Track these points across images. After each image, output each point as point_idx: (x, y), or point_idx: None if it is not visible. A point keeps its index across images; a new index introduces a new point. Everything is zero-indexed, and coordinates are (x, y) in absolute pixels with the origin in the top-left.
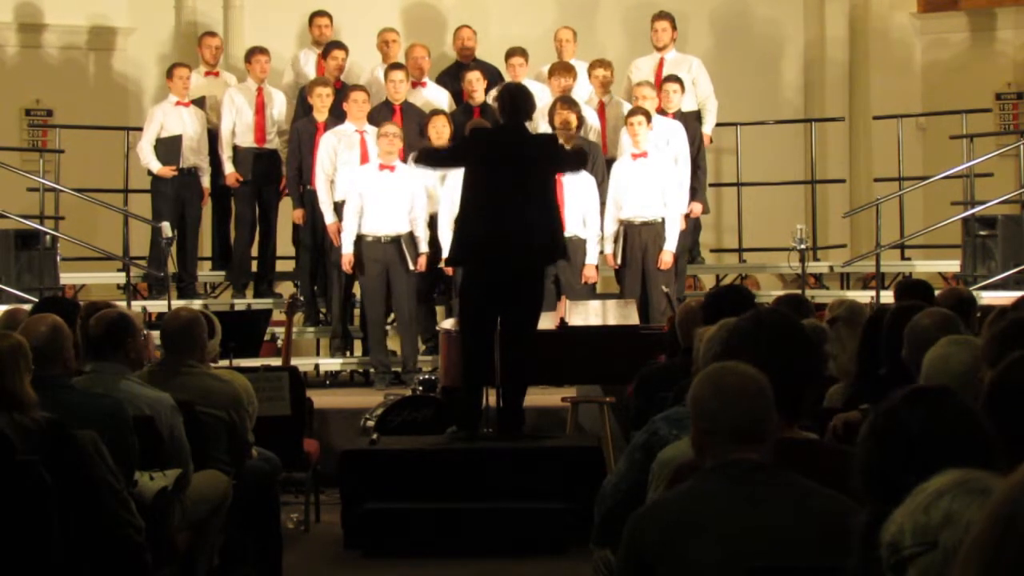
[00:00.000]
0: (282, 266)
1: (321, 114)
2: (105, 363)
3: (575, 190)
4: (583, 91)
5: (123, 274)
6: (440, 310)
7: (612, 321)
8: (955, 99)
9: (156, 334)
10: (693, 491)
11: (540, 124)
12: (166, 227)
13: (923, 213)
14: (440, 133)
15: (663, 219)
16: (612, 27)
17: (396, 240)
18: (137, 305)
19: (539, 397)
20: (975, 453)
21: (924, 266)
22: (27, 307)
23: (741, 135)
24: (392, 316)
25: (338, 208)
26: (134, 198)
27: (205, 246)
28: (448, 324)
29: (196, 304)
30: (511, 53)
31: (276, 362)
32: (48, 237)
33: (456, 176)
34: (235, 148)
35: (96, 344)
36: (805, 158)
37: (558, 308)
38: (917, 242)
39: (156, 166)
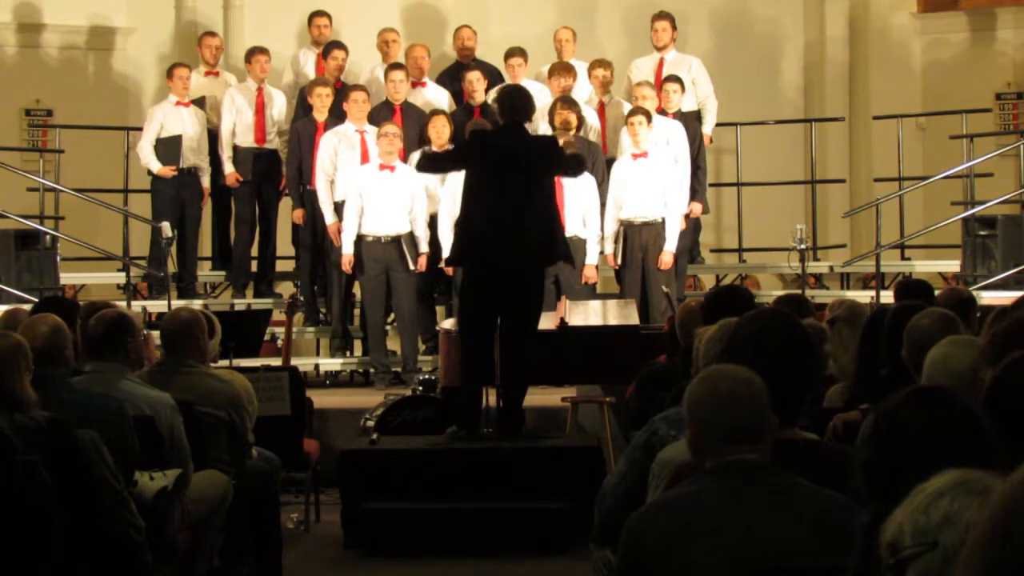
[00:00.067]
0: (282, 266)
1: (321, 114)
2: (105, 363)
3: (575, 190)
4: (583, 91)
5: (123, 274)
6: (440, 310)
7: (612, 321)
8: (955, 99)
9: (156, 334)
10: (692, 492)
11: (540, 124)
12: (166, 227)
13: (923, 213)
14: (440, 133)
15: (663, 219)
16: (612, 27)
17: (396, 240)
18: (137, 305)
19: (539, 397)
20: (975, 453)
21: (924, 266)
22: (27, 307)
23: (741, 135)
24: (392, 316)
25: (338, 208)
26: (134, 198)
27: (205, 246)
28: (448, 324)
29: (196, 304)
30: (510, 53)
31: (276, 362)
32: (48, 237)
33: (456, 176)
34: (235, 148)
35: (96, 344)
36: (805, 158)
37: (558, 308)
38: (917, 242)
39: (156, 166)
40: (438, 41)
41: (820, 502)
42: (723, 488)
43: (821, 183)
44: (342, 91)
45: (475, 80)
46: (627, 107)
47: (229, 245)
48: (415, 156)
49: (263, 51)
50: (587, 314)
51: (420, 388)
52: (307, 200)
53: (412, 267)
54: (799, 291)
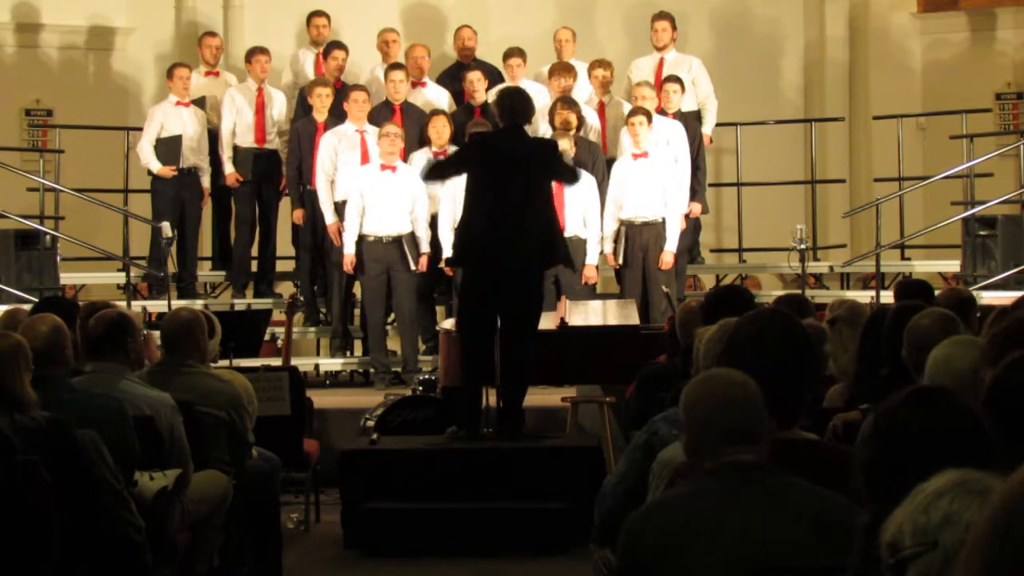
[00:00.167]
0: (282, 266)
1: (321, 114)
2: (105, 363)
3: (575, 190)
4: (583, 91)
5: (123, 274)
6: (440, 310)
7: (612, 321)
8: (955, 99)
9: (156, 334)
10: (691, 492)
11: (540, 124)
12: (166, 227)
13: (923, 213)
14: (440, 133)
15: (663, 219)
16: (612, 27)
17: (397, 240)
18: (137, 305)
19: (539, 397)
20: (975, 453)
21: (924, 266)
22: (27, 307)
23: (741, 135)
24: (392, 316)
25: (338, 208)
26: (134, 198)
27: (205, 246)
28: (448, 324)
29: (196, 304)
30: (509, 54)
31: (276, 362)
32: (48, 237)
33: (455, 177)
34: (235, 148)
35: (96, 344)
36: (805, 158)
37: (558, 308)
38: (917, 242)
39: (156, 166)
40: (438, 41)
41: (819, 502)
42: (722, 488)
43: (821, 183)
44: (342, 91)
45: (476, 80)
46: (627, 107)
47: (229, 245)
48: (415, 156)
49: (263, 51)
50: (587, 314)
51: (420, 388)
52: (307, 200)
53: (413, 267)
54: (799, 291)
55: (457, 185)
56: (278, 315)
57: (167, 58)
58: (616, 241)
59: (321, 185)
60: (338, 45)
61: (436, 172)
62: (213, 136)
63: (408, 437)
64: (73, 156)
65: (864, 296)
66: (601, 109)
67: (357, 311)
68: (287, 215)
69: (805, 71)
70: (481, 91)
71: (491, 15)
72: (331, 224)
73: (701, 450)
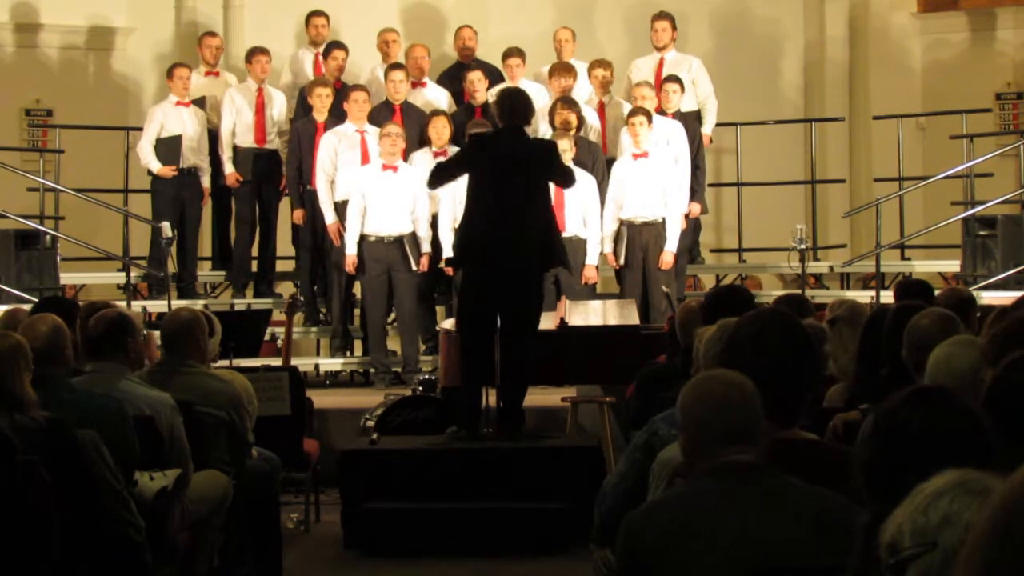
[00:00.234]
0: (282, 266)
1: (321, 114)
2: (105, 363)
3: (575, 190)
4: (583, 91)
5: (123, 274)
6: (440, 310)
7: (612, 321)
8: (955, 99)
9: (156, 334)
10: (691, 491)
11: (540, 124)
12: (166, 227)
13: (923, 213)
14: (440, 134)
15: (664, 219)
16: (612, 27)
17: (399, 240)
18: (137, 305)
19: (539, 397)
20: (975, 453)
21: (924, 266)
22: (27, 307)
23: (741, 135)
24: (392, 316)
25: (338, 208)
26: (134, 198)
27: (205, 246)
28: (448, 324)
29: (196, 304)
30: (508, 54)
31: (276, 362)
32: (48, 237)
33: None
34: (235, 148)
35: (96, 344)
36: (805, 158)
37: (558, 308)
38: (917, 242)
39: (156, 166)
40: (438, 41)
41: (818, 502)
42: (721, 488)
43: (821, 183)
44: (342, 91)
45: (476, 80)
46: (627, 107)
47: (229, 245)
48: (416, 156)
49: (263, 51)
50: (587, 314)
51: (420, 388)
52: (307, 200)
53: (414, 267)
54: (799, 291)
55: (457, 185)
56: (278, 315)
57: (167, 58)
58: (616, 241)
59: (321, 185)
60: (338, 45)
61: (439, 176)
62: (213, 136)
63: (408, 437)
64: (73, 156)
65: (864, 296)
66: (601, 109)
67: (357, 311)
68: (287, 215)
69: (805, 71)
70: (482, 91)
71: (491, 15)
72: (331, 224)
73: (699, 451)
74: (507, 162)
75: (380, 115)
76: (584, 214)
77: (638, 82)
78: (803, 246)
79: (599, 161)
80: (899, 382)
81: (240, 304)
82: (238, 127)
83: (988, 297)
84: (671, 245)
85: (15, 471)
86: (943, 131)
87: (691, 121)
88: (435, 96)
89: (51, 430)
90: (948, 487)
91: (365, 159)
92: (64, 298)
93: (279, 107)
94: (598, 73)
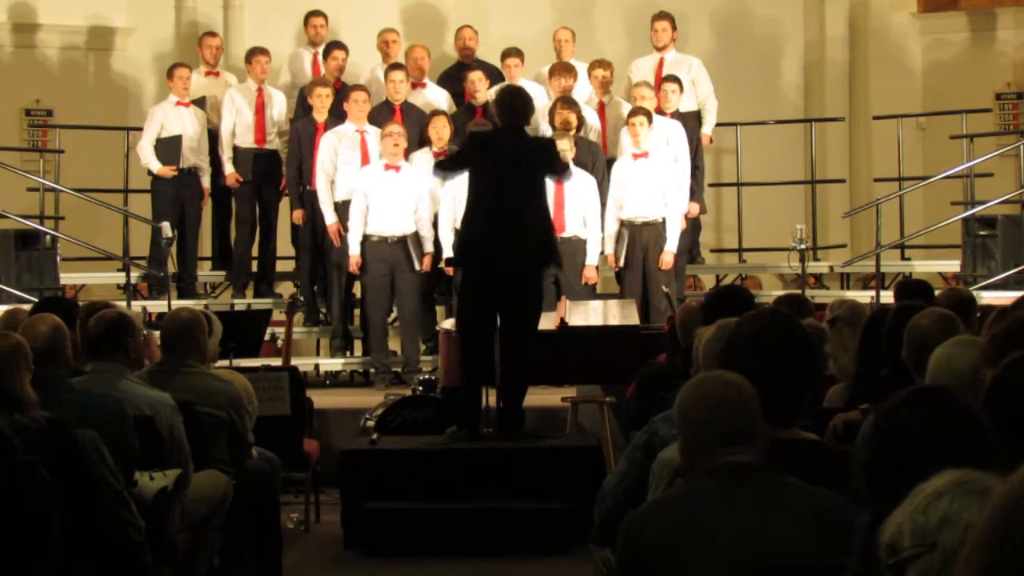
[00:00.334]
0: (282, 266)
1: (321, 114)
2: (105, 363)
3: (575, 190)
4: (583, 91)
5: (123, 274)
6: (440, 310)
7: (612, 321)
8: (955, 99)
9: (156, 334)
10: (691, 492)
11: (540, 124)
12: (166, 227)
13: (923, 213)
14: (440, 133)
15: (664, 219)
16: (612, 27)
17: (402, 240)
18: (137, 305)
19: (539, 397)
20: (975, 453)
21: (924, 266)
22: (27, 307)
23: (741, 135)
24: (393, 316)
25: (338, 208)
26: (134, 198)
27: (205, 246)
28: (448, 324)
29: (197, 304)
30: (507, 54)
31: (276, 362)
32: (48, 237)
33: (456, 178)
34: (235, 148)
35: (96, 344)
36: (805, 158)
37: (558, 308)
38: (917, 242)
39: (156, 166)
40: (438, 41)
41: (817, 502)
42: (721, 489)
43: (821, 183)
44: (342, 91)
45: (477, 80)
46: (627, 107)
47: (229, 245)
48: (416, 156)
49: (263, 51)
50: (587, 314)
51: (420, 388)
52: (307, 200)
53: (418, 267)
54: (799, 291)
55: (457, 185)
56: (278, 315)
57: (167, 58)
58: (617, 242)
59: (321, 185)
60: (338, 45)
61: (443, 166)
62: (213, 136)
63: (408, 437)
64: (73, 156)
65: (864, 296)
66: (601, 109)
67: (357, 311)
68: (287, 215)
69: (805, 71)
70: (483, 91)
71: (491, 15)
72: (331, 224)
73: (697, 452)
74: (507, 162)
75: (380, 115)
76: (584, 214)
77: (638, 82)
78: (803, 246)
79: (599, 161)
80: (899, 382)
81: (240, 304)
82: (238, 127)
83: (988, 297)
84: (671, 245)
85: (15, 471)
86: (943, 131)
87: (690, 121)
88: (435, 97)
89: (51, 430)
90: (948, 487)
91: (365, 159)
92: (64, 298)
93: (279, 107)
94: (598, 73)
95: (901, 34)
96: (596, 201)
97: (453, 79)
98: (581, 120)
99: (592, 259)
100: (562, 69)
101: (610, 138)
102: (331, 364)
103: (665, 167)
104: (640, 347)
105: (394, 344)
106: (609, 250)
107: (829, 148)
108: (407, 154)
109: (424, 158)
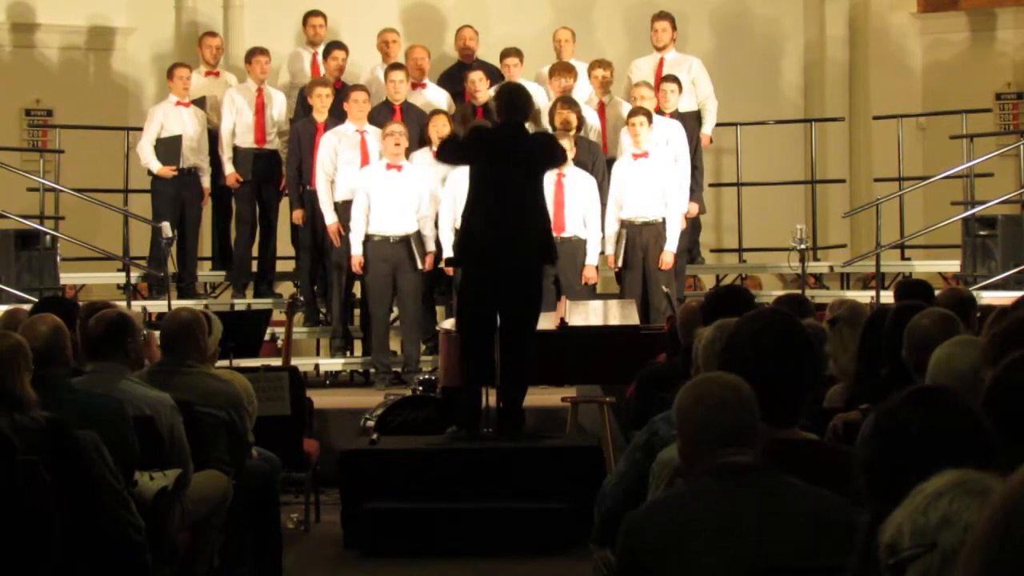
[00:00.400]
0: (282, 266)
1: (321, 114)
2: (105, 363)
3: (575, 190)
4: (583, 91)
5: (123, 274)
6: (440, 310)
7: (612, 321)
8: (955, 99)
9: (156, 334)
10: (691, 492)
11: (544, 125)
12: (166, 227)
13: (923, 213)
14: (440, 133)
15: (664, 219)
16: (612, 27)
17: (405, 240)
18: (137, 305)
19: (539, 397)
20: (975, 453)
21: (924, 266)
22: (27, 307)
23: (741, 135)
24: (394, 315)
25: (338, 208)
26: (134, 198)
27: (205, 246)
28: (448, 324)
29: (197, 304)
30: (506, 54)
31: (276, 362)
32: (48, 237)
33: (456, 177)
34: (235, 148)
35: (96, 344)
36: (805, 158)
37: (558, 308)
38: (917, 242)
39: (156, 166)
40: (438, 41)
41: (817, 502)
42: (720, 489)
43: (821, 183)
44: (342, 91)
45: (477, 80)
46: (627, 107)
47: (229, 245)
48: (416, 156)
49: (263, 52)
50: (587, 314)
51: (420, 388)
52: (307, 200)
53: (420, 266)
54: (799, 291)
55: (458, 185)
56: (278, 315)
57: (167, 58)
58: (617, 242)
59: (321, 185)
60: (338, 45)
61: (445, 149)
62: (213, 136)
63: (408, 437)
64: (73, 156)
65: (864, 296)
66: (601, 109)
67: (357, 311)
68: (287, 215)
69: (805, 71)
70: (484, 91)
71: (491, 15)
72: (331, 224)
73: (696, 452)
74: (507, 161)
75: (380, 115)
76: (584, 214)
77: (637, 82)
78: (803, 246)
79: (599, 161)
80: (899, 382)
81: (240, 304)
82: (238, 127)
83: (988, 297)
84: (671, 245)
85: (15, 471)
86: (943, 131)
87: (690, 121)
88: (435, 97)
89: (51, 430)
90: (948, 487)
91: (365, 159)
92: (64, 298)
93: (279, 107)
94: (598, 73)
95: (901, 34)
96: (596, 201)
97: (453, 79)
98: (581, 120)
99: (592, 259)
100: (562, 69)
101: (610, 138)
102: (331, 364)
103: (665, 167)
104: (640, 347)
105: (394, 344)
106: (609, 250)
107: (829, 148)
108: (408, 154)
109: (424, 158)
